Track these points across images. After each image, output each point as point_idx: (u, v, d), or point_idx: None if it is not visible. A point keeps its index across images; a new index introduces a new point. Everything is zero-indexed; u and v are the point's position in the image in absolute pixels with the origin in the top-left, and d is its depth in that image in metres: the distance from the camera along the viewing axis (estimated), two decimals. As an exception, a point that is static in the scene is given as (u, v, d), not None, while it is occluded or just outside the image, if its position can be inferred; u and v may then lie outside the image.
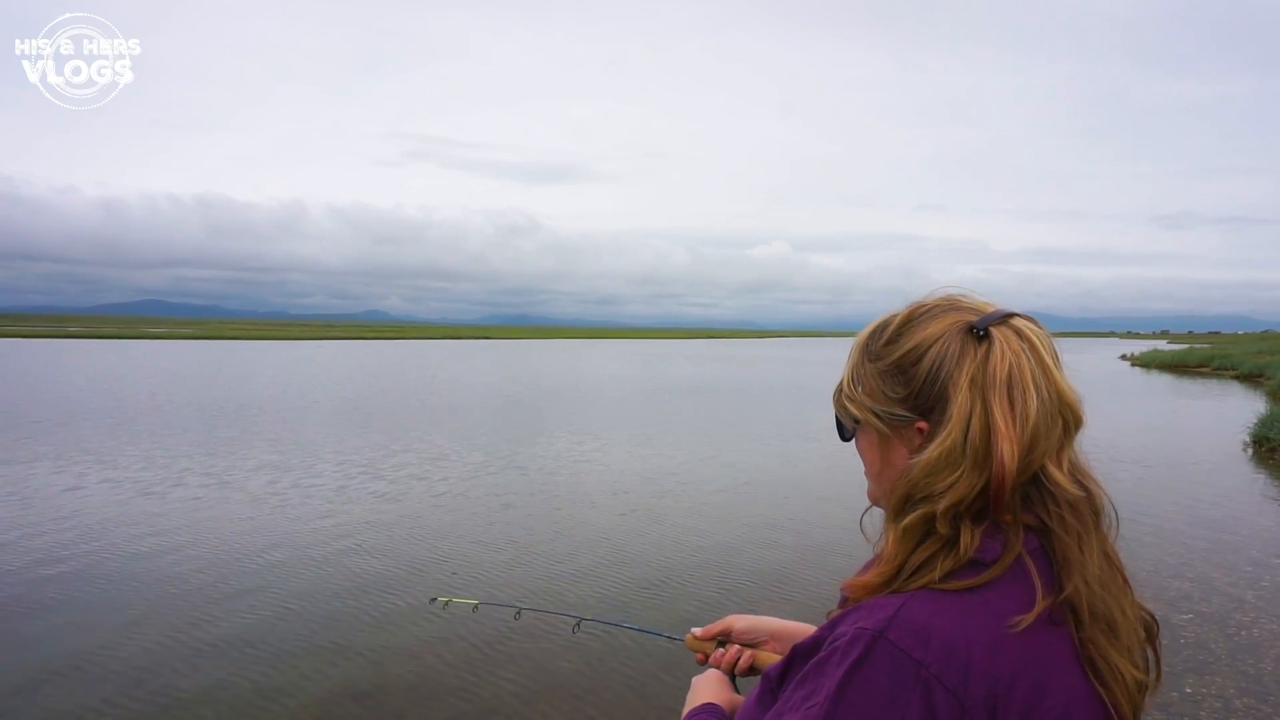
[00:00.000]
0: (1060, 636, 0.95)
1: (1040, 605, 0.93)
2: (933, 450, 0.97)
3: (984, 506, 0.96)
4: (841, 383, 1.13)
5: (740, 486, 11.62)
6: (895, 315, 1.10)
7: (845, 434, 1.16)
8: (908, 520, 0.98)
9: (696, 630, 1.47)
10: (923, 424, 1.01)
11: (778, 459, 14.19)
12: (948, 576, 0.95)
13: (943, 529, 0.96)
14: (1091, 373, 40.56)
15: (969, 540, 0.95)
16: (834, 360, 61.75)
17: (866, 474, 1.13)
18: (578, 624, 2.10)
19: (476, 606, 2.41)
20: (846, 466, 13.39)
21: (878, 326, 1.10)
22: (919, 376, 1.02)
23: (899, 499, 1.00)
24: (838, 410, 1.15)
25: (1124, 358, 66.51)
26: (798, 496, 11.06)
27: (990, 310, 1.03)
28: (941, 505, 0.95)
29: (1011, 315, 1.02)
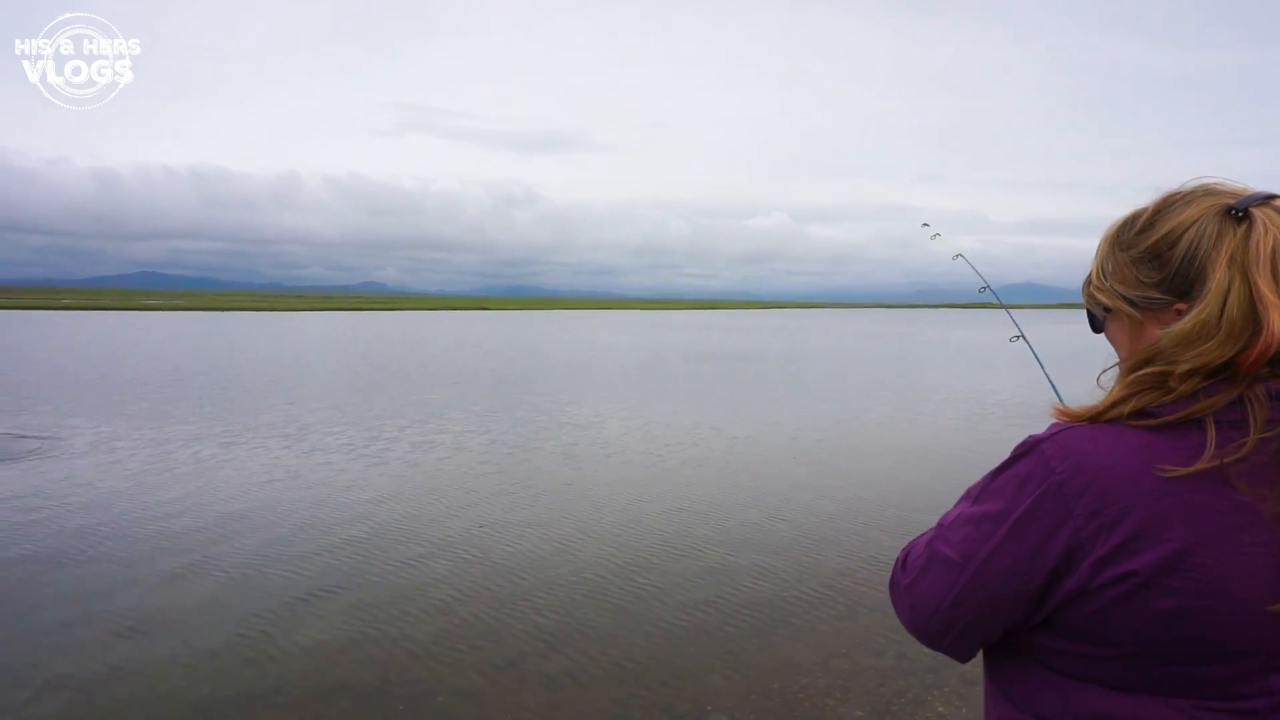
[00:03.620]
0: (1230, 498, 0.97)
1: (1207, 462, 0.97)
2: (1187, 322, 1.01)
3: (1219, 371, 1.00)
4: (1090, 275, 1.20)
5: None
6: (1145, 208, 1.13)
7: (1096, 324, 1.23)
8: (1142, 372, 1.04)
9: (1059, 405, 1.53)
10: (1181, 305, 1.05)
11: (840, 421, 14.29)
12: (1136, 415, 1.02)
13: (1174, 384, 1.01)
14: (1089, 340, 40.44)
15: (1186, 389, 1.00)
16: (836, 329, 61.83)
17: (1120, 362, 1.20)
18: (1016, 338, 2.13)
19: (956, 257, 2.43)
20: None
21: (1128, 220, 1.14)
22: (1175, 259, 1.05)
23: (1140, 360, 1.05)
24: (1087, 301, 1.21)
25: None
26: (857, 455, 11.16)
27: (1248, 193, 1.05)
28: (1182, 368, 1.00)
29: (1273, 196, 1.04)
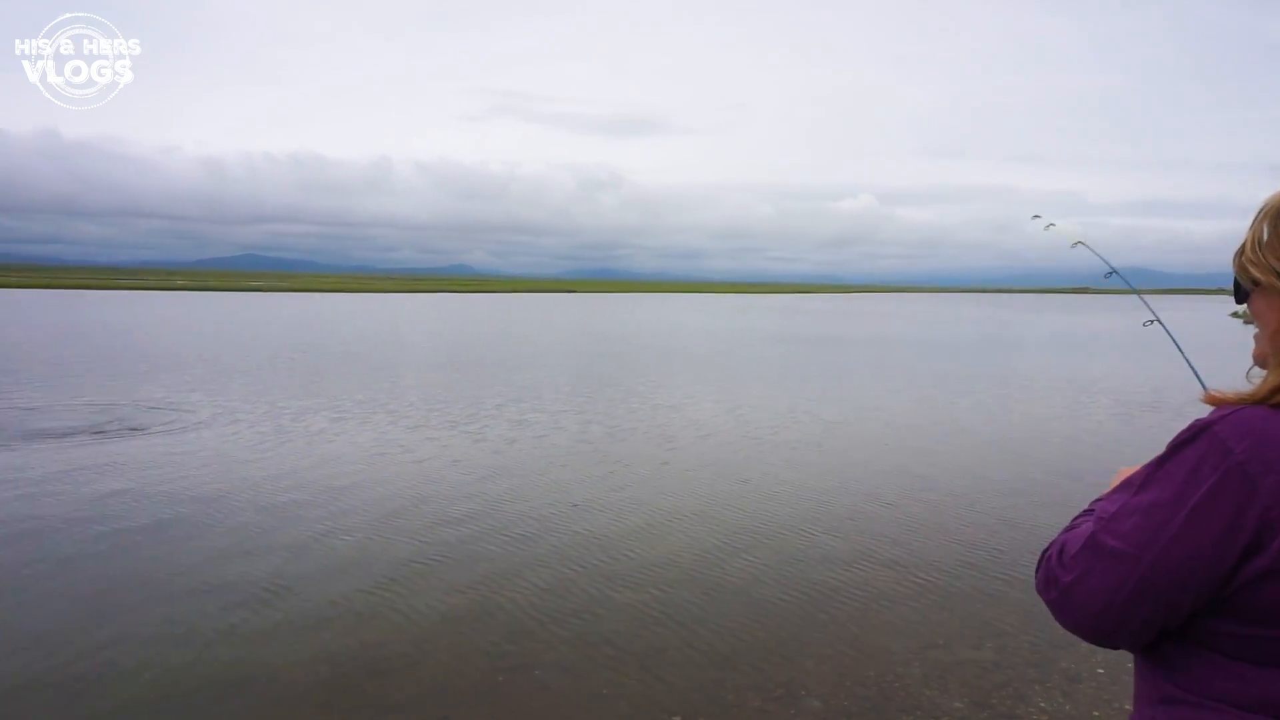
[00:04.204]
0: None
1: None
2: None
3: None
4: (1243, 245, 1.19)
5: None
6: None
7: (1241, 295, 1.23)
8: None
9: (1210, 391, 1.51)
10: None
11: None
12: None
13: None
14: (1200, 328, 38.64)
15: None
16: (927, 314, 60.11)
17: (1259, 336, 1.20)
18: (1151, 322, 2.16)
19: (1076, 244, 2.46)
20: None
21: None
22: None
23: None
24: (1237, 272, 1.21)
25: (1235, 315, 63.08)
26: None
27: None
28: None
29: None
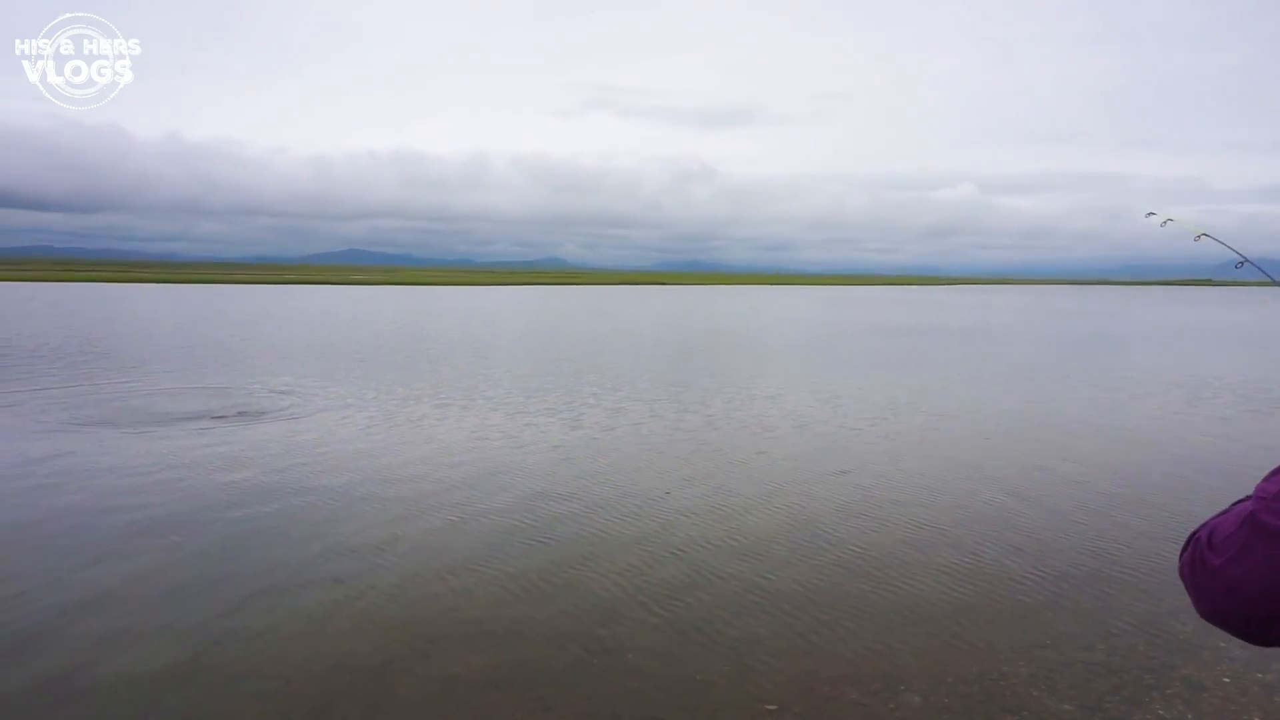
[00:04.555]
0: None
1: None
2: None
3: None
4: None
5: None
6: None
7: None
8: None
9: None
10: None
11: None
12: None
13: None
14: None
15: None
16: (1030, 307, 57.62)
17: None
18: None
19: (1200, 237, 2.44)
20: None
21: None
22: None
23: None
24: None
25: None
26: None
27: None
28: None
29: None
